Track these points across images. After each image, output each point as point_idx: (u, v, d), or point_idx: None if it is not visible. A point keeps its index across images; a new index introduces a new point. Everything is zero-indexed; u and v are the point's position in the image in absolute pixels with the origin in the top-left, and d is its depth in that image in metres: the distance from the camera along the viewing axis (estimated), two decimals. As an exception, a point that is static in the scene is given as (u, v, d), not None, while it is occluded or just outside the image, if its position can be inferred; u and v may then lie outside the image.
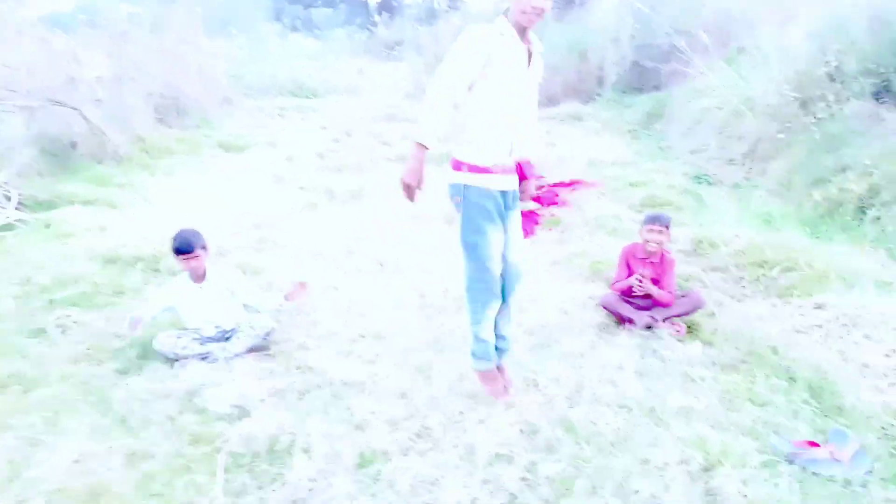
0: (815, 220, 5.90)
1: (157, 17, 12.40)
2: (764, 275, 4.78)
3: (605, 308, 4.33)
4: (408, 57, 22.45)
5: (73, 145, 7.97)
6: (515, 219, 3.11)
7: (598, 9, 15.33)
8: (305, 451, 2.99)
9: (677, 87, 10.50)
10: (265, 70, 16.81)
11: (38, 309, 4.30)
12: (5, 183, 6.22)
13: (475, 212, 2.93)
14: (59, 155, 7.77)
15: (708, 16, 10.88)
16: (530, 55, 2.86)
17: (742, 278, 4.84)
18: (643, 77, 12.18)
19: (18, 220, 5.83)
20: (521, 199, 3.16)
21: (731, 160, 7.93)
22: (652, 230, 4.16)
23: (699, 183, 7.60)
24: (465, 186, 2.92)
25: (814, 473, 2.82)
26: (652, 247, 4.19)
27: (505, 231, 3.06)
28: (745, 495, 2.67)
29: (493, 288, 3.08)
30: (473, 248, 2.98)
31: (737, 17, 9.96)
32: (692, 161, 8.46)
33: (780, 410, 3.26)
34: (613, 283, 4.37)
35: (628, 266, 4.31)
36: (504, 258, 3.10)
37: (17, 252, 5.10)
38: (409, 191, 2.88)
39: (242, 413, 3.31)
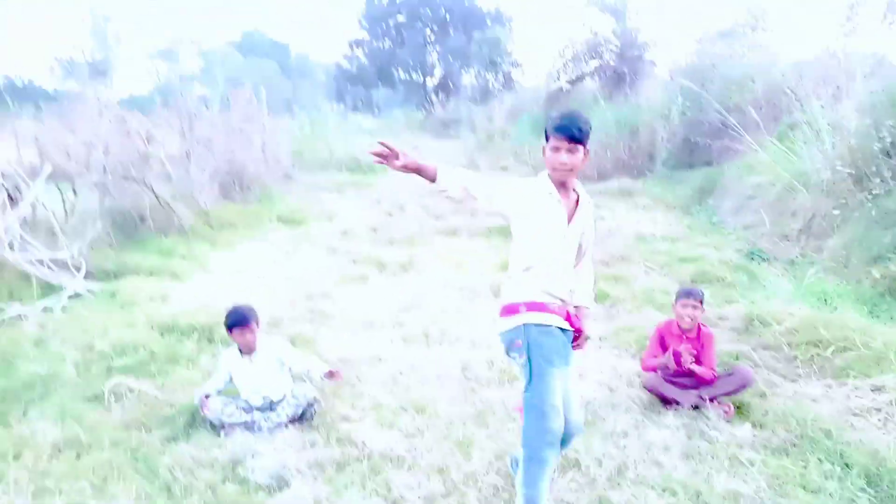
0: (873, 298, 5.70)
1: (226, 98, 13.22)
2: (818, 354, 4.62)
3: (649, 390, 4.25)
4: (462, 134, 23.15)
5: (142, 219, 8.43)
6: (573, 373, 2.96)
7: (647, 87, 15.62)
8: (341, 524, 3.00)
9: (729, 163, 10.49)
10: (325, 147, 17.55)
11: (97, 376, 4.48)
12: (77, 254, 6.59)
13: (538, 352, 2.75)
14: (128, 228, 8.23)
15: (758, 91, 10.92)
16: (576, 208, 2.83)
17: (795, 358, 4.69)
18: (694, 153, 12.20)
19: (86, 290, 6.15)
20: (575, 348, 3.01)
21: (785, 236, 7.79)
22: (686, 305, 4.11)
23: (752, 259, 7.47)
24: (526, 326, 2.79)
25: (871, 568, 2.67)
26: (686, 322, 4.13)
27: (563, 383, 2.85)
28: (795, 589, 2.54)
29: (553, 435, 2.73)
30: (536, 394, 2.73)
31: (787, 92, 9.96)
32: (745, 237, 8.35)
33: (834, 498, 3.11)
34: (644, 361, 4.31)
35: (662, 344, 4.24)
36: (564, 415, 2.82)
37: (83, 320, 5.36)
38: (388, 156, 2.78)
39: (282, 483, 3.35)
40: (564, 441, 2.90)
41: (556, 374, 2.75)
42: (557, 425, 2.73)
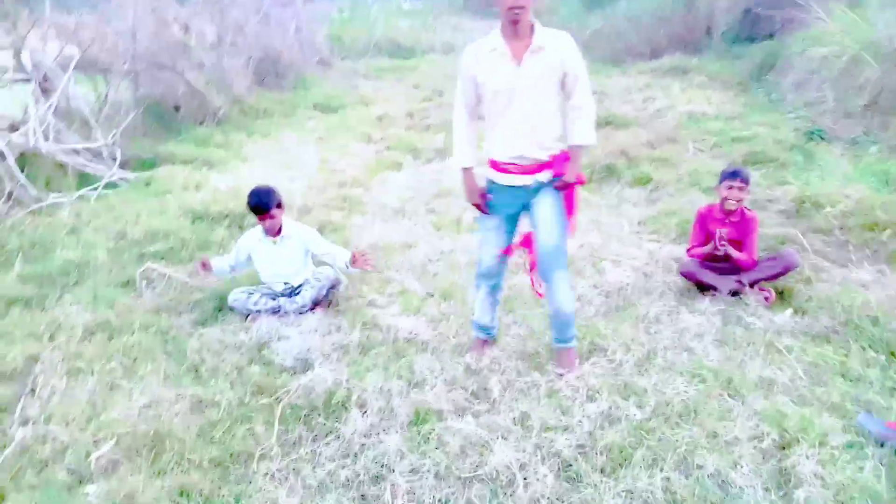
0: (941, 178, 5.27)
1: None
2: (873, 238, 4.33)
3: (685, 276, 4.05)
4: (507, 13, 21.91)
5: (177, 108, 8.34)
6: (544, 205, 3.05)
7: (708, -48, 14.31)
8: (361, 406, 3.01)
9: (793, 35, 9.62)
10: (364, 32, 16.92)
11: (129, 262, 4.55)
12: (112, 143, 6.58)
13: (490, 203, 3.15)
14: (163, 117, 8.15)
15: (831, -47, 9.84)
16: (528, 51, 2.86)
17: (847, 242, 4.40)
18: (756, 25, 11.24)
19: (122, 179, 6.17)
20: (560, 186, 3.05)
21: (848, 113, 7.19)
22: (732, 187, 3.83)
23: (811, 139, 6.95)
24: (487, 179, 3.14)
25: (907, 458, 2.54)
26: (731, 205, 3.86)
27: (532, 217, 3.11)
28: (823, 478, 2.44)
29: (479, 268, 3.27)
30: (479, 235, 3.29)
31: (865, -48, 8.94)
32: (805, 115, 7.75)
33: (874, 387, 2.96)
34: (689, 249, 4.09)
35: (704, 229, 4.00)
36: (536, 243, 3.14)
37: (117, 208, 5.40)
38: (476, 206, 3.20)
39: (305, 366, 3.37)
40: (545, 269, 3.11)
41: (491, 221, 3.17)
42: (483, 258, 3.24)
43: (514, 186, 3.04)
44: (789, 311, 3.68)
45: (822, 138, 6.98)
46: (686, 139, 7.28)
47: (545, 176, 3.03)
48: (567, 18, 16.76)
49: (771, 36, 10.58)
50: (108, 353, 3.45)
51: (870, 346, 3.22)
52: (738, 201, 3.85)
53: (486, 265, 3.24)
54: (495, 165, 3.06)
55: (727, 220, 3.93)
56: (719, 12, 11.70)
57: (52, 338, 3.61)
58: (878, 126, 6.68)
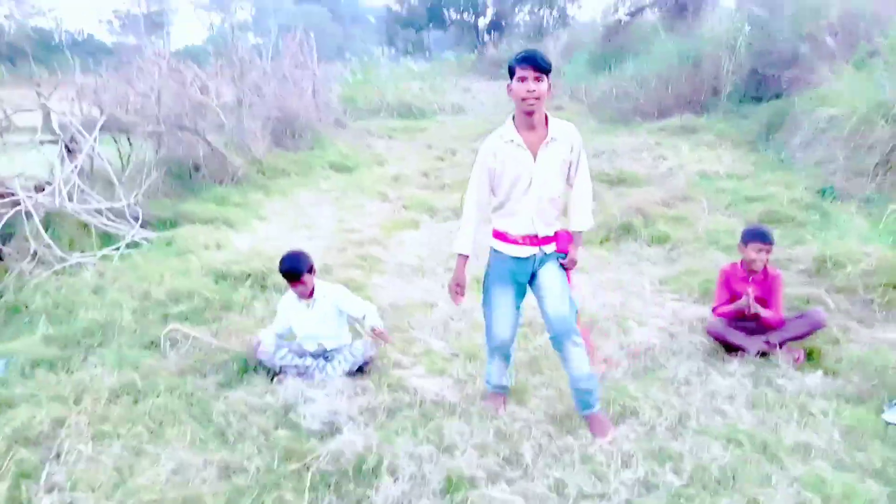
0: (959, 237, 5.28)
1: (277, 46, 13.06)
2: (898, 297, 4.31)
3: (712, 336, 4.04)
4: (515, 74, 22.42)
5: (197, 168, 8.48)
6: (550, 275, 3.20)
7: (711, 16, 14.72)
8: (392, 472, 2.96)
9: (800, 95, 9.80)
10: (376, 92, 17.32)
11: (153, 323, 4.54)
12: (134, 203, 6.67)
13: (491, 271, 3.31)
14: (183, 177, 8.29)
15: (833, 17, 10.11)
16: (545, 143, 3.00)
17: (872, 301, 4.39)
18: (762, 86, 11.48)
19: (143, 238, 6.24)
20: (565, 265, 3.24)
21: (860, 172, 7.26)
22: (760, 249, 3.85)
23: (824, 197, 7.01)
24: (491, 248, 3.26)
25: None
26: (757, 266, 3.87)
27: (540, 287, 3.23)
28: (872, 548, 2.38)
29: (493, 342, 3.39)
30: (484, 305, 3.39)
31: (866, 16, 9.18)
32: (816, 174, 7.82)
33: (916, 452, 2.89)
34: (714, 308, 4.08)
35: (729, 288, 4.00)
36: (545, 313, 3.25)
37: (140, 268, 5.42)
38: (452, 294, 3.35)
39: (333, 430, 3.33)
40: (559, 340, 3.22)
41: (500, 290, 3.27)
42: (497, 332, 3.34)
43: (521, 258, 3.18)
44: (820, 372, 3.64)
45: (834, 197, 7.04)
46: (699, 198, 7.34)
47: (550, 248, 3.19)
48: (574, 80, 17.16)
49: (778, 96, 10.77)
50: (133, 417, 3.42)
51: (908, 409, 3.17)
52: (763, 262, 3.86)
53: (500, 338, 3.35)
54: (505, 238, 3.18)
55: (751, 279, 3.94)
56: (725, 73, 11.94)
57: (77, 401, 3.57)
58: (891, 185, 6.74)
